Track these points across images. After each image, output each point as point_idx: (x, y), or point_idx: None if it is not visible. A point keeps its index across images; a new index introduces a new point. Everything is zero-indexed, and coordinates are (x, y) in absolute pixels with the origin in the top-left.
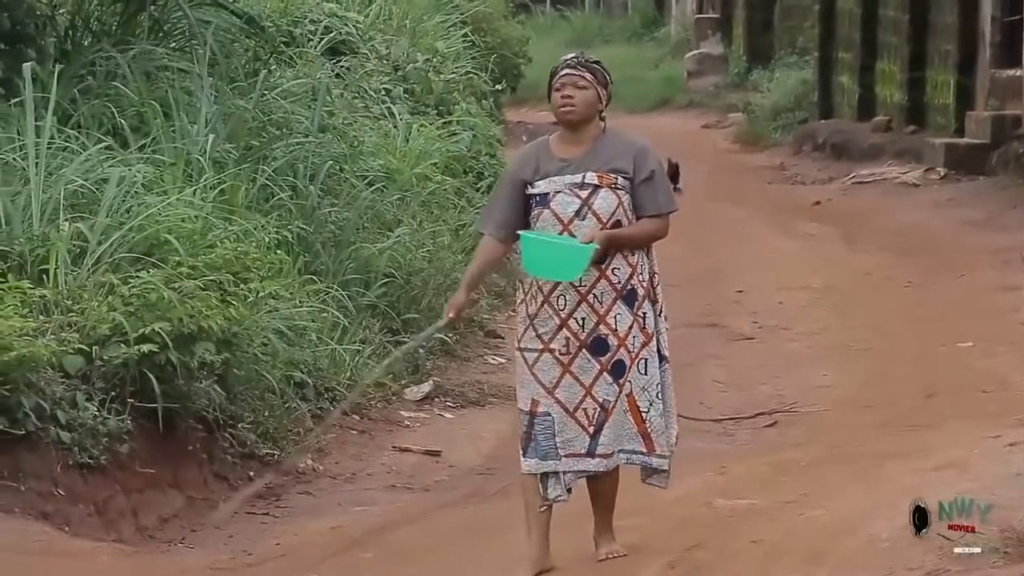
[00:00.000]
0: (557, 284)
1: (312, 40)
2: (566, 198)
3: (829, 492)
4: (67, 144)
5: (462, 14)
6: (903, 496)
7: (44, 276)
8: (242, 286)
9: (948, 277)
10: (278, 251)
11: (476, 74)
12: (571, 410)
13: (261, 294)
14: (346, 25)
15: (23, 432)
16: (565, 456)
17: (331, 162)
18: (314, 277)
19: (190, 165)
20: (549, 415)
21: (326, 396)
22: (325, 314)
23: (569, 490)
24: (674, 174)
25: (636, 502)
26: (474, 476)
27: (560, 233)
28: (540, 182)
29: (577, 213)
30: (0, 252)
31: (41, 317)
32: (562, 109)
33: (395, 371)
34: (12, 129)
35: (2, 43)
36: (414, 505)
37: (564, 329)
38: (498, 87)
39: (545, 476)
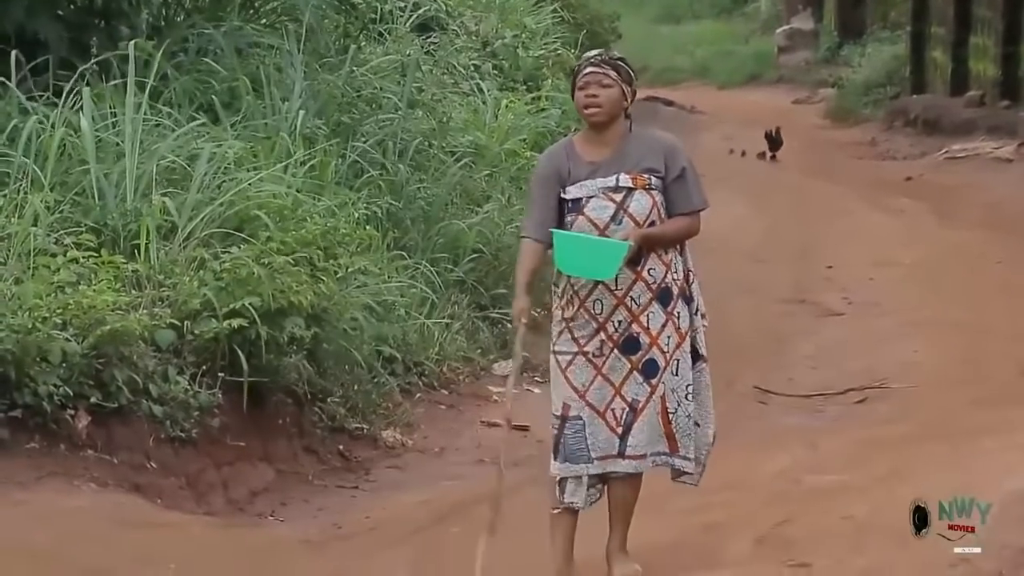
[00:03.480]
0: (593, 289)
1: (402, 16)
2: (601, 203)
3: (920, 469)
4: (159, 120)
5: None
6: (996, 473)
7: (136, 251)
8: (332, 261)
9: None
10: (367, 227)
11: (565, 50)
12: (600, 411)
13: (350, 269)
14: (435, 1)
15: (116, 405)
16: (597, 459)
17: (420, 138)
18: (403, 252)
19: (281, 141)
20: (580, 418)
21: (414, 371)
22: (414, 289)
23: (593, 502)
24: (774, 140)
25: (725, 477)
26: None
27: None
28: (572, 187)
29: (613, 218)
30: (94, 227)
31: (134, 291)
32: (587, 109)
33: (483, 346)
34: (106, 106)
35: (97, 20)
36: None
37: (601, 332)
38: None
39: (564, 480)
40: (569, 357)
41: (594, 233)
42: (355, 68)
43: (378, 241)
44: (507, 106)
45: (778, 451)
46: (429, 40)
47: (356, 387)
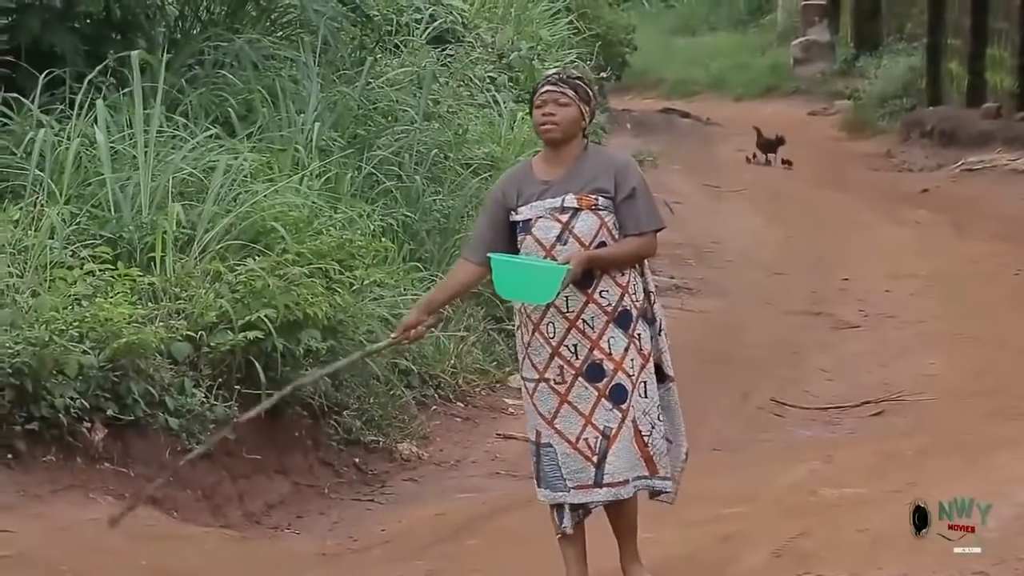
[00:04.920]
0: (546, 312)
1: (417, 29)
2: (547, 223)
3: (937, 481)
4: (175, 132)
5: (566, 1)
6: (1013, 485)
7: (152, 263)
8: (347, 273)
9: None
10: (383, 239)
11: (581, 62)
12: (573, 441)
13: (366, 281)
14: (451, 13)
15: (132, 418)
16: (574, 488)
17: (436, 150)
18: (419, 264)
19: (297, 153)
20: (551, 446)
21: (430, 383)
22: None
23: (577, 523)
24: (768, 144)
25: (741, 489)
26: None
27: (544, 259)
28: (523, 208)
29: (559, 238)
30: (110, 239)
31: (150, 304)
32: (543, 127)
33: (499, 359)
34: (122, 117)
35: (114, 32)
36: (518, 492)
37: (556, 357)
38: (603, 75)
39: (559, 507)
40: (533, 384)
41: (540, 253)
42: (371, 80)
43: (394, 253)
44: (523, 118)
45: (794, 463)
46: (445, 52)
47: (372, 400)
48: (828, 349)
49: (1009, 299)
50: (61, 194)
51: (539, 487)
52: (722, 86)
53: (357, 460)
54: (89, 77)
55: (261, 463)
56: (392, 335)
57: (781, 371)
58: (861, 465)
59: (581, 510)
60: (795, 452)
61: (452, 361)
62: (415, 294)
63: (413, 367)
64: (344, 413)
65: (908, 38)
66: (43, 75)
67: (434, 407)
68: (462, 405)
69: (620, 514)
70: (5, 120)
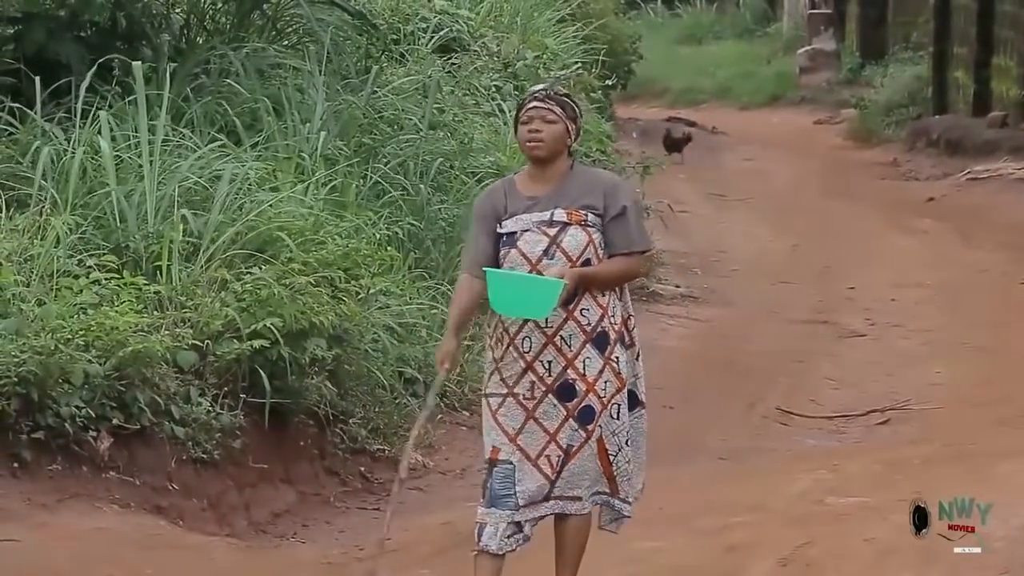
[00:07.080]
0: (523, 327)
1: (423, 37)
2: (534, 236)
3: (943, 491)
4: (181, 141)
5: (572, 10)
6: (1018, 495)
7: (158, 272)
8: (353, 282)
9: None
10: (389, 248)
11: (586, 71)
12: (533, 457)
13: (372, 290)
14: (457, 22)
15: (138, 427)
16: (524, 506)
17: (441, 159)
18: (424, 273)
19: (302, 162)
20: (509, 463)
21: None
22: (435, 310)
23: (509, 550)
24: (675, 141)
25: (747, 499)
26: None
27: (529, 272)
28: (508, 221)
29: (545, 252)
30: (116, 248)
31: (155, 313)
32: (529, 143)
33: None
34: (128, 127)
35: (119, 42)
36: None
37: (530, 372)
38: (608, 83)
39: (484, 523)
40: (499, 400)
41: (525, 267)
42: (377, 89)
43: (399, 262)
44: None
45: (800, 473)
46: (451, 61)
47: (377, 408)
48: (834, 358)
49: (1015, 308)
50: (66, 203)
51: (483, 506)
52: (728, 95)
53: (363, 469)
54: (85, 84)
55: (266, 472)
56: (444, 367)
57: (787, 380)
58: (867, 474)
59: (519, 534)
60: (801, 461)
61: (457, 370)
62: (421, 303)
63: (419, 376)
64: (350, 422)
65: (914, 47)
66: (47, 84)
67: (440, 416)
68: (467, 414)
69: (572, 534)
70: (10, 129)
